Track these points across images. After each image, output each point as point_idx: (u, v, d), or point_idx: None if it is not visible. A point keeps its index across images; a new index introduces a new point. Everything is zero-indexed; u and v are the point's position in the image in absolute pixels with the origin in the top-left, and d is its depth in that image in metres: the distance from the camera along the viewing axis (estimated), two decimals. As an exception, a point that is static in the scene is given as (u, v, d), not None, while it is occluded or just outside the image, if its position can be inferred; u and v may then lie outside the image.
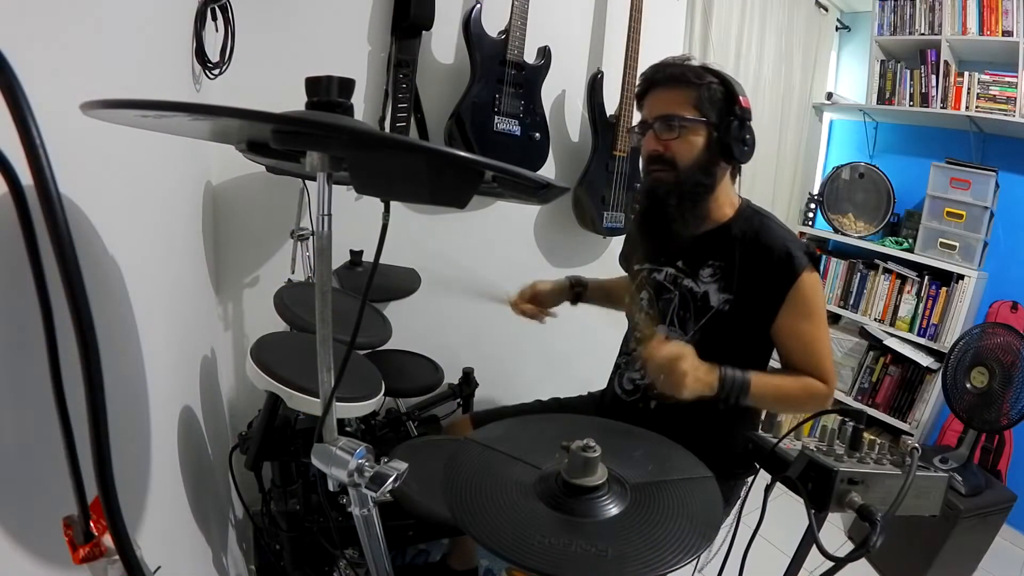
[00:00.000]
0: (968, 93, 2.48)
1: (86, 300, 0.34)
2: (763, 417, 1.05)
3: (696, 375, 0.97)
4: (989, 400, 1.97)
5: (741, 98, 1.07)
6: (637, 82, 1.15)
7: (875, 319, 2.73)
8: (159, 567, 0.49)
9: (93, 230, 0.57)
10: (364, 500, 0.67)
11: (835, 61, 3.17)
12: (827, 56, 3.06)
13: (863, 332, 2.79)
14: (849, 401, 2.79)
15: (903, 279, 2.64)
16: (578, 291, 1.44)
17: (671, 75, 1.08)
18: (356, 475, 0.62)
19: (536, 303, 1.41)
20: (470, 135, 1.62)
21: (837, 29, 3.08)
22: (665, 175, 1.10)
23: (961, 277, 2.44)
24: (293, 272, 1.50)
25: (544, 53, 1.73)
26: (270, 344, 0.96)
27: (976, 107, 2.46)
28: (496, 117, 1.65)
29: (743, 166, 1.16)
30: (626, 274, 1.45)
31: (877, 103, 2.78)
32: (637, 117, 1.90)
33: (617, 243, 2.11)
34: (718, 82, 1.07)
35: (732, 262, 1.10)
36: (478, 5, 1.57)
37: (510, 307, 1.42)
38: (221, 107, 0.42)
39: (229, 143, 0.67)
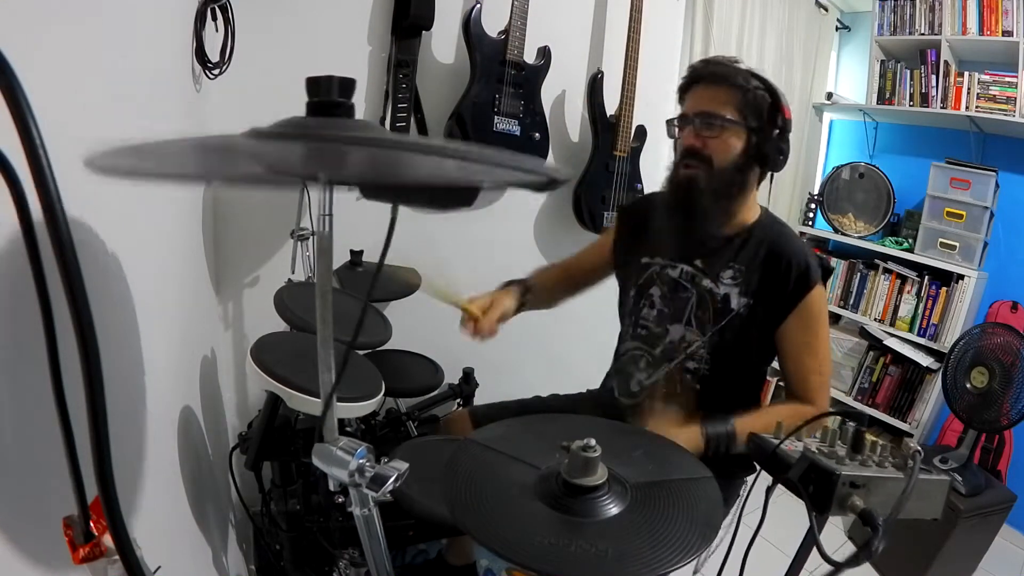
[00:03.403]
0: (968, 93, 2.48)
1: (86, 300, 0.34)
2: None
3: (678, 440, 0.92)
4: (989, 400, 1.96)
5: (785, 108, 1.08)
6: (682, 74, 1.14)
7: (875, 319, 2.73)
8: (159, 567, 0.49)
9: (93, 230, 0.57)
10: (365, 500, 0.67)
11: (835, 61, 3.16)
12: (827, 56, 3.06)
13: (863, 332, 2.79)
14: (849, 401, 2.79)
15: (903, 279, 2.64)
16: (524, 302, 1.28)
17: (718, 73, 1.08)
18: (357, 475, 0.62)
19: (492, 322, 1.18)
20: (470, 135, 1.62)
21: (837, 29, 3.08)
22: (698, 172, 1.09)
23: (961, 277, 2.44)
24: (293, 272, 1.49)
25: (544, 53, 1.73)
26: (270, 344, 0.96)
27: (976, 107, 2.45)
28: (496, 117, 1.65)
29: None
30: (561, 263, 1.40)
31: (877, 103, 2.78)
32: (638, 117, 1.92)
33: (617, 243, 2.10)
34: (764, 89, 1.07)
35: (753, 267, 1.11)
36: (478, 5, 1.57)
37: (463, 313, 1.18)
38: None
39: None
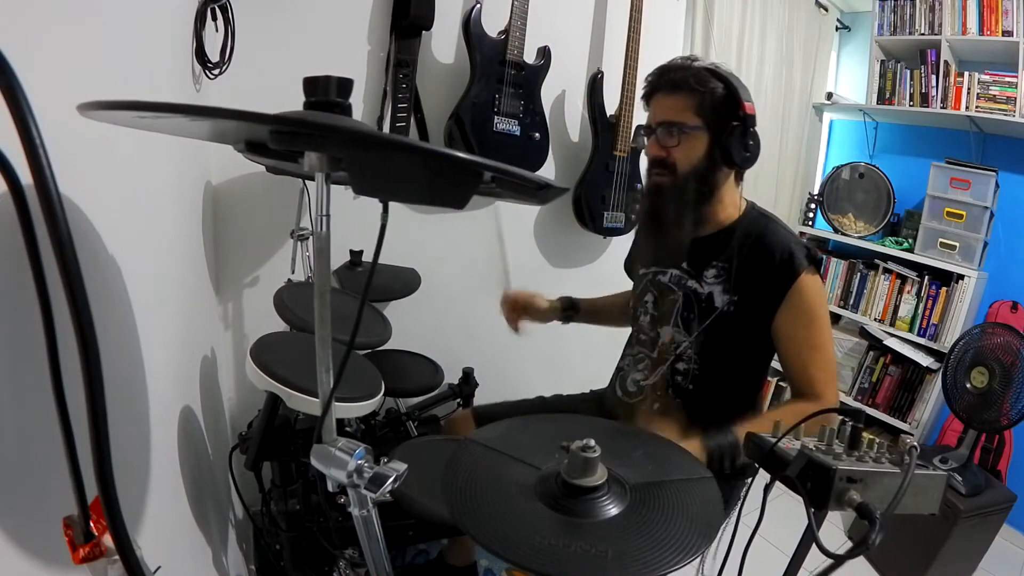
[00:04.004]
0: (968, 93, 2.48)
1: (86, 300, 0.34)
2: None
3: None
4: (989, 400, 1.96)
5: (746, 103, 1.06)
6: (642, 85, 1.15)
7: (875, 319, 2.73)
8: (159, 567, 0.49)
9: (93, 230, 0.57)
10: (363, 501, 0.67)
11: (835, 61, 3.17)
12: (827, 56, 3.06)
13: (863, 332, 2.79)
14: (849, 401, 2.79)
15: (903, 279, 2.64)
16: (569, 314, 1.46)
17: (672, 80, 1.08)
18: (355, 476, 0.62)
19: (524, 314, 1.42)
20: (470, 135, 1.62)
21: (837, 29, 3.08)
22: (666, 180, 1.10)
23: (961, 277, 2.44)
24: (293, 272, 1.50)
25: (544, 53, 1.73)
26: (270, 344, 0.96)
27: (976, 107, 2.45)
28: (496, 117, 1.65)
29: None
30: (621, 291, 1.46)
31: (877, 103, 2.78)
32: (638, 117, 1.92)
33: (617, 243, 2.11)
34: (722, 87, 1.06)
35: (736, 263, 1.10)
36: (478, 5, 1.57)
37: (500, 302, 1.43)
38: (218, 108, 0.42)
39: (228, 143, 0.67)
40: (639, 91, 1.18)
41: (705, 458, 0.98)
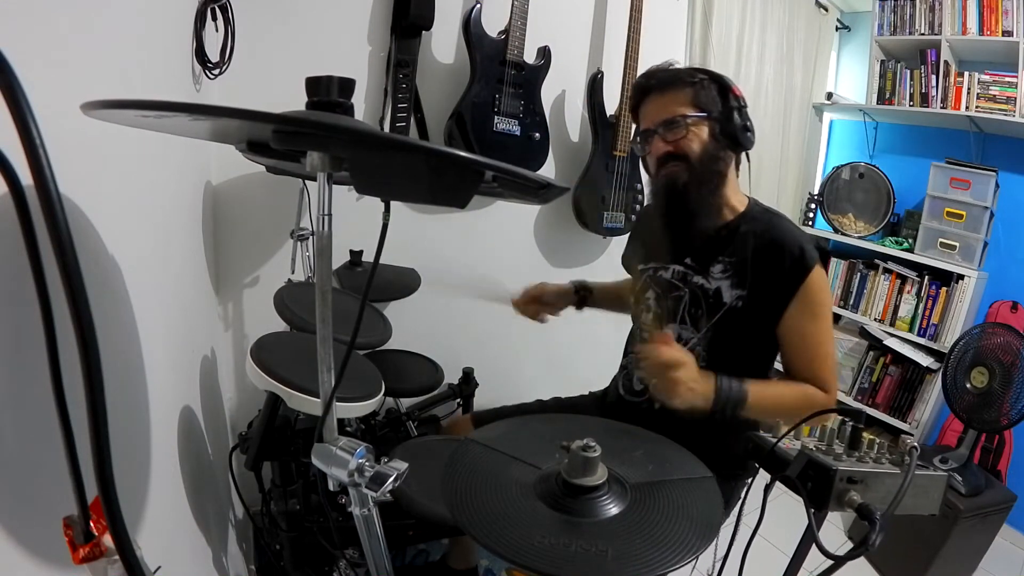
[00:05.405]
0: (968, 93, 2.48)
1: (86, 300, 0.34)
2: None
3: (690, 386, 0.95)
4: (989, 400, 1.96)
5: (733, 88, 1.09)
6: (629, 94, 1.17)
7: (875, 319, 2.73)
8: (159, 567, 0.49)
9: (93, 230, 0.57)
10: (364, 500, 0.67)
11: (835, 61, 3.16)
12: (827, 56, 3.06)
13: (863, 332, 2.78)
14: (849, 401, 2.79)
15: (903, 279, 2.64)
16: (583, 295, 1.42)
17: (663, 79, 1.10)
18: (356, 475, 0.62)
19: (539, 304, 1.38)
20: (470, 135, 1.62)
21: (837, 29, 3.08)
22: (679, 170, 1.09)
23: (961, 277, 2.44)
24: (293, 272, 1.50)
25: (544, 53, 1.74)
26: (270, 344, 0.96)
27: (976, 107, 2.45)
28: (496, 117, 1.65)
29: (745, 168, 1.17)
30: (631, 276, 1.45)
31: (877, 103, 2.78)
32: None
33: (617, 243, 2.11)
34: (708, 78, 1.09)
35: (744, 258, 1.09)
36: (478, 5, 1.57)
37: (512, 307, 1.40)
38: (221, 107, 0.42)
39: (229, 143, 0.67)
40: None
41: (713, 397, 0.98)
